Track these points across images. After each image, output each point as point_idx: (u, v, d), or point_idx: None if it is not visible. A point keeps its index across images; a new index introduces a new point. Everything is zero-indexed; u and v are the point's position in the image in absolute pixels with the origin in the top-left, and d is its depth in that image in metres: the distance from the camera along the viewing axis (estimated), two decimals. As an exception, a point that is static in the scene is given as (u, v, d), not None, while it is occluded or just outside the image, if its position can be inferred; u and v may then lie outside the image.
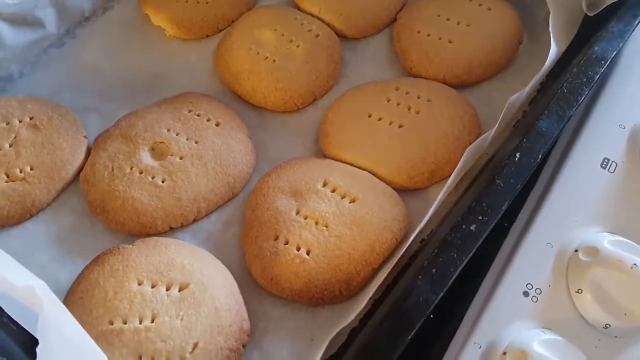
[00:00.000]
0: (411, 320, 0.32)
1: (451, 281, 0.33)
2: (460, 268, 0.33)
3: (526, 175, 0.36)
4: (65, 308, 0.29)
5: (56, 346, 0.27)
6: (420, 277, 0.32)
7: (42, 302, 0.28)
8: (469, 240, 0.34)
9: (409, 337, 0.31)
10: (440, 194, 0.38)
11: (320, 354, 0.33)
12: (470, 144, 0.43)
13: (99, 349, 0.28)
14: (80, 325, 0.28)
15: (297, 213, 0.40)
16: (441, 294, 0.32)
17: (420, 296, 0.32)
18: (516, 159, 0.37)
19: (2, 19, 0.46)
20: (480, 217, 0.35)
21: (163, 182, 0.42)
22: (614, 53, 0.41)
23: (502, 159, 0.37)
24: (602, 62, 0.41)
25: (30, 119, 0.45)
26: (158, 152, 0.44)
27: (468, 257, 0.34)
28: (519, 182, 0.36)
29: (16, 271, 0.31)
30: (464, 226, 0.34)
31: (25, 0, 0.47)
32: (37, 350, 0.27)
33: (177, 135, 0.44)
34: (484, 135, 0.39)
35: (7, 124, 0.44)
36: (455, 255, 0.33)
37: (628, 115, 0.44)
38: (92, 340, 0.28)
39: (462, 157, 0.38)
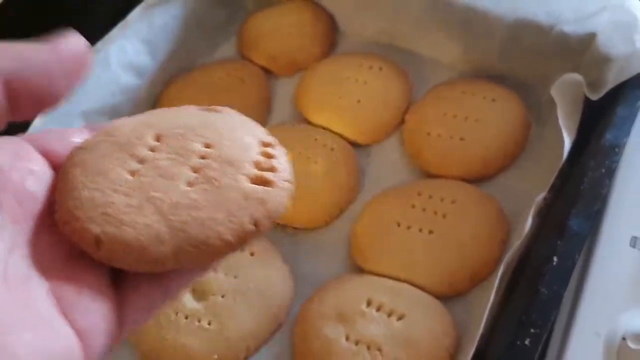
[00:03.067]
0: None
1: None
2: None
3: (567, 279, 0.37)
4: None
5: None
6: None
7: None
8: (526, 354, 0.35)
9: None
10: (487, 307, 0.38)
11: None
12: (502, 240, 0.45)
13: None
14: None
15: (347, 339, 0.41)
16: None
17: None
18: (554, 263, 0.38)
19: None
20: (532, 330, 0.35)
21: (209, 324, 0.43)
22: (626, 139, 0.43)
23: (540, 263, 0.38)
24: (617, 150, 0.42)
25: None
26: (199, 293, 0.45)
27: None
28: (562, 287, 0.37)
29: None
30: (518, 342, 0.35)
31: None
32: None
33: (215, 272, 0.45)
34: (516, 245, 0.40)
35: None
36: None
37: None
38: None
39: (502, 266, 0.39)
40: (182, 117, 0.24)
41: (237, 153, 0.22)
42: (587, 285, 0.42)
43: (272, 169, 0.22)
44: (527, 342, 0.35)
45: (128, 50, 0.53)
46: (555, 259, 0.38)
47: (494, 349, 0.38)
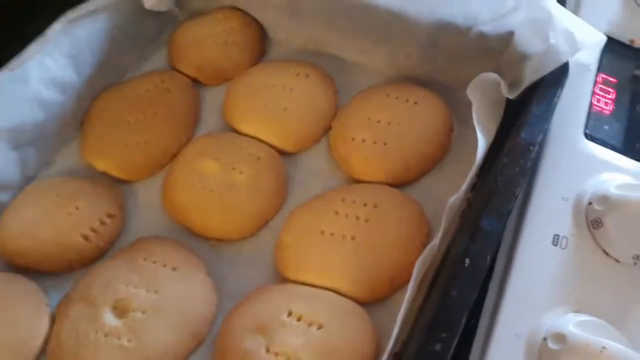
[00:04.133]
0: None
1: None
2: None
3: (479, 280, 0.37)
4: None
5: None
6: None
7: None
8: (437, 359, 0.34)
9: None
10: (401, 309, 0.38)
11: None
12: (421, 243, 0.44)
13: None
14: None
15: (267, 351, 0.40)
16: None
17: None
18: (466, 265, 0.37)
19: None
20: (443, 335, 0.35)
21: (129, 341, 0.42)
22: (541, 136, 0.43)
23: (453, 264, 0.38)
24: (531, 148, 0.42)
25: (-13, 298, 0.45)
26: (120, 310, 0.44)
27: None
28: (474, 289, 0.37)
29: None
30: (429, 347, 0.35)
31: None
32: None
33: (135, 288, 0.44)
34: (430, 245, 0.40)
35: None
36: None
37: (568, 187, 0.46)
38: None
39: (414, 270, 0.39)
40: None
41: None
42: (509, 287, 0.42)
43: None
44: (437, 346, 0.35)
45: (49, 66, 0.52)
46: (467, 260, 0.38)
47: (408, 354, 0.38)
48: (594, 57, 0.52)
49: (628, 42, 0.55)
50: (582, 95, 0.50)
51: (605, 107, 0.50)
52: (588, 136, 0.48)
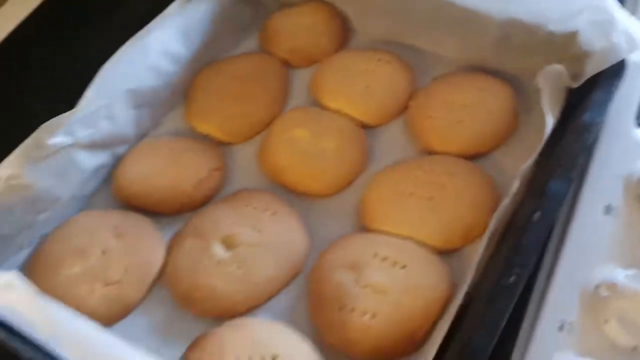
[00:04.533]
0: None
1: (502, 327, 0.40)
2: (507, 316, 0.40)
3: (545, 234, 0.44)
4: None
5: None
6: (477, 326, 0.39)
7: None
8: (511, 291, 0.41)
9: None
10: (479, 253, 0.45)
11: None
12: (491, 207, 0.51)
13: None
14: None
15: (357, 284, 0.47)
16: (495, 339, 0.39)
17: (479, 341, 0.39)
18: (534, 219, 0.44)
19: (80, 148, 0.54)
20: (516, 270, 0.42)
21: (238, 268, 0.49)
22: (600, 119, 0.50)
23: (524, 220, 0.45)
24: (591, 128, 0.49)
25: (114, 228, 0.52)
26: (228, 243, 0.51)
27: (511, 307, 0.41)
28: (541, 236, 0.43)
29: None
30: (503, 281, 0.41)
31: (100, 130, 0.55)
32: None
33: (242, 227, 0.52)
34: (504, 202, 0.47)
35: (96, 236, 0.52)
36: (502, 305, 0.40)
37: (620, 166, 0.52)
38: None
39: (492, 222, 0.46)
40: None
41: None
42: (566, 245, 0.48)
43: None
44: (511, 279, 0.42)
45: (165, 39, 0.60)
46: (535, 215, 0.44)
47: (483, 289, 0.44)
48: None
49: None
50: (635, 90, 0.57)
51: (655, 102, 0.57)
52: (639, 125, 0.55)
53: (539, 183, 0.49)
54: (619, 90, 0.52)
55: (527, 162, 0.48)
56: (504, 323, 0.40)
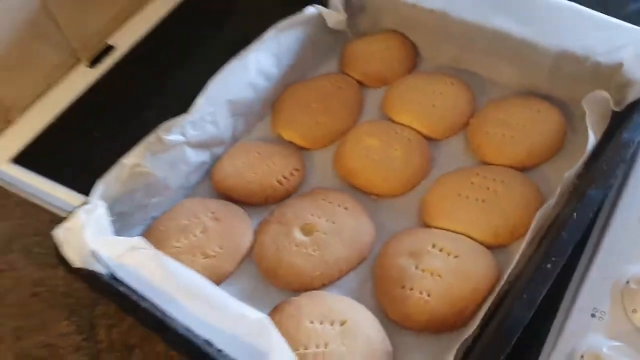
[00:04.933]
0: (512, 332, 0.46)
1: (537, 305, 0.47)
2: (543, 295, 0.47)
3: (582, 231, 0.51)
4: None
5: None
6: (516, 301, 0.47)
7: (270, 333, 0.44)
8: (547, 274, 0.48)
9: (513, 341, 0.45)
10: (521, 247, 0.52)
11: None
12: (535, 210, 0.58)
13: None
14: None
15: (416, 268, 0.55)
16: (531, 312, 0.47)
17: (518, 314, 0.46)
18: (574, 217, 0.51)
19: (189, 146, 0.65)
20: (553, 258, 0.49)
21: (314, 251, 0.58)
22: (638, 137, 0.57)
23: (564, 219, 0.52)
24: (631, 144, 0.56)
25: (212, 213, 0.62)
26: (307, 231, 0.60)
27: (547, 288, 0.48)
28: (578, 232, 0.51)
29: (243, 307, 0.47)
30: (542, 265, 0.49)
31: (206, 132, 0.66)
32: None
33: (319, 218, 0.61)
34: (548, 202, 0.54)
35: (197, 218, 0.62)
36: (539, 285, 0.48)
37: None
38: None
39: (535, 219, 0.53)
40: None
41: None
42: (603, 244, 0.55)
43: None
44: (548, 265, 0.49)
45: (261, 60, 0.71)
46: (575, 214, 0.52)
47: (525, 273, 0.52)
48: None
49: None
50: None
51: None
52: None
53: (580, 190, 0.56)
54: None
55: (570, 171, 0.55)
56: (539, 299, 0.47)
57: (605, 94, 0.60)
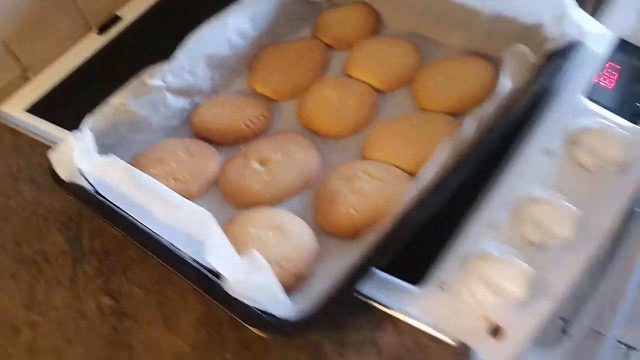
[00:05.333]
0: (408, 230, 0.56)
1: (433, 211, 0.57)
2: (441, 203, 0.57)
3: (488, 152, 0.60)
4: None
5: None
6: (414, 208, 0.57)
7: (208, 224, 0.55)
8: (446, 187, 0.58)
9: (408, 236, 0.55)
10: (431, 172, 0.62)
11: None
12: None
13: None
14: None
15: (348, 190, 0.65)
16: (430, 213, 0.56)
17: (416, 217, 0.56)
18: (485, 139, 0.61)
19: (169, 91, 0.76)
20: (453, 175, 0.59)
21: (267, 178, 0.69)
22: (548, 84, 0.65)
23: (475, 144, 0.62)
24: (541, 90, 0.65)
25: (186, 148, 0.73)
26: (263, 162, 0.71)
27: (445, 198, 0.57)
28: (484, 153, 0.60)
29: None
30: (444, 180, 0.58)
31: (184, 80, 0.77)
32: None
33: (275, 153, 0.71)
34: (460, 134, 0.63)
35: (173, 152, 0.73)
36: (441, 195, 0.57)
37: (565, 122, 0.67)
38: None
39: (444, 148, 0.62)
40: None
41: None
42: (512, 169, 0.64)
43: None
44: (449, 180, 0.58)
45: (238, 20, 0.81)
46: (485, 137, 0.61)
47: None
48: (605, 49, 0.73)
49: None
50: (590, 72, 0.71)
51: (608, 83, 0.72)
52: (589, 98, 0.70)
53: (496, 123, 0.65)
54: (573, 73, 0.68)
55: (484, 106, 0.65)
56: (439, 206, 0.57)
57: (523, 47, 0.69)
